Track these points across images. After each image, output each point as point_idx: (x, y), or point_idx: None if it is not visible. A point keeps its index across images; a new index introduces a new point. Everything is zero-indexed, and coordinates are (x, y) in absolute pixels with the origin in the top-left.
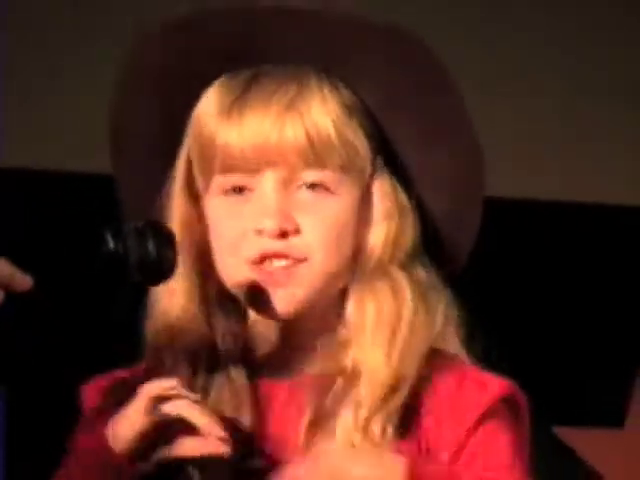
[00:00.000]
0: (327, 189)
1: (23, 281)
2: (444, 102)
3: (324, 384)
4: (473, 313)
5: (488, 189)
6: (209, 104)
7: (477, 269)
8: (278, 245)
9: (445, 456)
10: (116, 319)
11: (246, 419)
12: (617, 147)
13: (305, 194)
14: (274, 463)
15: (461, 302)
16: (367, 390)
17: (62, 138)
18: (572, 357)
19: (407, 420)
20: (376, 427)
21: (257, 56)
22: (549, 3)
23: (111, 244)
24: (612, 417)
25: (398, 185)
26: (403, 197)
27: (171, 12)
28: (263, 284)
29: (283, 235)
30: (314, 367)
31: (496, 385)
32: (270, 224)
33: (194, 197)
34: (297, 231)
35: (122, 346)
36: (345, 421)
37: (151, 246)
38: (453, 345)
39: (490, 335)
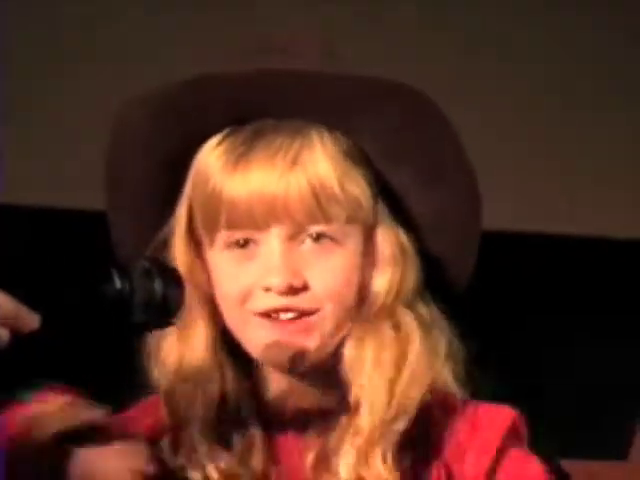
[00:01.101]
0: (333, 240)
1: (30, 320)
2: (444, 152)
3: (326, 423)
4: (473, 342)
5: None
6: (213, 158)
7: (477, 301)
8: (286, 301)
9: None
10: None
11: (257, 463)
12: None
13: (311, 246)
14: None
15: (461, 333)
16: (366, 424)
17: (69, 175)
18: (575, 389)
19: (422, 454)
20: (376, 458)
21: (259, 112)
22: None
23: (118, 283)
24: (615, 449)
25: (400, 227)
26: (405, 239)
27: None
28: (273, 335)
29: (291, 292)
30: (316, 408)
31: (507, 413)
32: (278, 282)
33: (195, 246)
34: (305, 287)
35: (125, 386)
36: (347, 457)
37: (158, 286)
38: (450, 381)
39: (490, 365)
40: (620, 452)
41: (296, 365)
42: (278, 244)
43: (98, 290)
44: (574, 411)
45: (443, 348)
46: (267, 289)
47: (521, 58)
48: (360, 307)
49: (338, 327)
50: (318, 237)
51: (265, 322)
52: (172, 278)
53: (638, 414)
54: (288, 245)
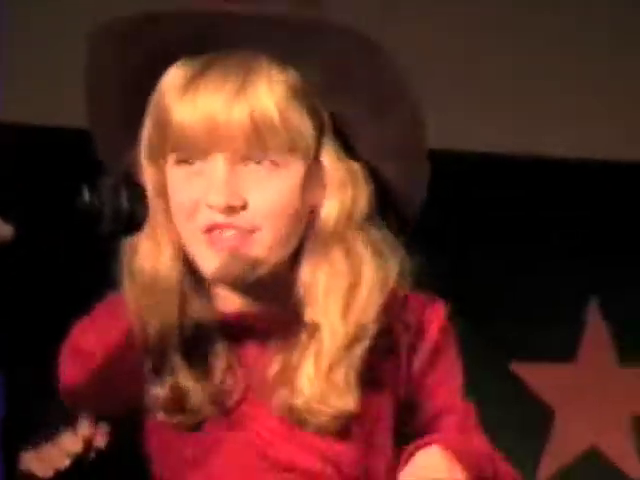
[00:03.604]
0: (274, 162)
1: (4, 231)
2: (384, 86)
3: (287, 339)
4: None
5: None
6: (167, 85)
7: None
8: (227, 218)
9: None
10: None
11: (219, 372)
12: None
13: (253, 168)
14: (241, 412)
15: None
16: (328, 342)
17: (45, 92)
18: (523, 292)
19: (385, 358)
20: (339, 375)
21: (214, 45)
22: None
23: (87, 197)
24: (563, 351)
25: (348, 154)
26: (353, 164)
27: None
28: (216, 249)
29: (231, 210)
30: (276, 325)
31: (440, 307)
32: (218, 200)
33: (160, 164)
34: (244, 207)
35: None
36: (308, 372)
37: (124, 199)
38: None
39: (441, 274)
40: (568, 353)
41: (241, 279)
42: (221, 166)
43: (70, 203)
44: (524, 313)
45: (395, 268)
46: (210, 206)
47: None
48: (311, 230)
49: (279, 243)
50: (260, 161)
51: (208, 238)
52: (137, 192)
53: (585, 314)
54: (230, 167)
